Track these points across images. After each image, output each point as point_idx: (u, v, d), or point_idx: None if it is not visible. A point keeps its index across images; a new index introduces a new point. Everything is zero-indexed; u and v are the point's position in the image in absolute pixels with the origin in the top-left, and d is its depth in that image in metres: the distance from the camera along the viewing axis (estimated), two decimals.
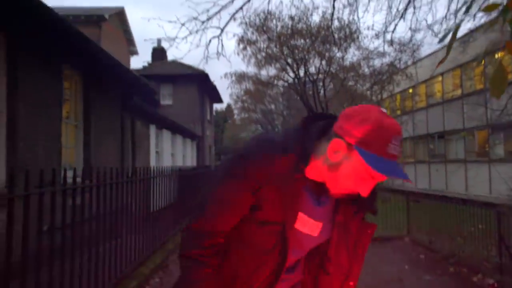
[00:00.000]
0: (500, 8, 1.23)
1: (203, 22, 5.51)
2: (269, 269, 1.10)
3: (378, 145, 0.99)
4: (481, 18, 6.64)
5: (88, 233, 3.67)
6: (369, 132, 0.99)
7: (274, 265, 1.10)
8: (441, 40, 1.25)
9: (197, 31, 5.50)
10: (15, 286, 2.54)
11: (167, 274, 5.17)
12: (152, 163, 10.32)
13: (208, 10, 5.38)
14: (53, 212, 3.03)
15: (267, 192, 1.06)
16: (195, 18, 5.44)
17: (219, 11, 5.38)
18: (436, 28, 5.83)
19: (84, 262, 3.50)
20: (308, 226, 1.14)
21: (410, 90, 19.41)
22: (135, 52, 20.29)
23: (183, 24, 5.38)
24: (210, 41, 5.90)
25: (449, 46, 1.22)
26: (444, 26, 5.92)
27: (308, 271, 1.23)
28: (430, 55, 16.46)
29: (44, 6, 4.50)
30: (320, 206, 1.15)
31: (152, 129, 11.02)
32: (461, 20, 1.16)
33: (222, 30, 5.89)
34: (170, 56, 22.31)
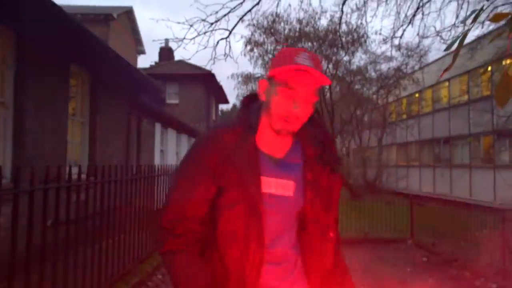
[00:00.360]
0: (510, 17, 1.24)
1: (211, 24, 5.54)
2: (252, 252, 1.10)
3: (284, 59, 1.09)
4: (490, 25, 6.62)
5: (92, 229, 3.71)
6: (276, 57, 1.14)
7: (255, 246, 1.10)
8: (447, 47, 1.26)
9: (205, 33, 5.53)
10: (20, 279, 2.58)
11: None
12: (157, 161, 10.37)
13: (216, 12, 5.42)
14: (58, 207, 3.07)
15: (225, 171, 1.11)
16: (204, 20, 5.47)
17: (227, 13, 5.42)
18: (444, 34, 5.81)
19: (87, 257, 3.54)
20: (275, 186, 1.14)
21: (417, 95, 19.33)
22: (142, 52, 20.40)
23: (191, 26, 5.42)
24: (218, 42, 5.93)
25: (455, 54, 1.24)
26: (453, 32, 5.92)
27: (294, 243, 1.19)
28: (437, 60, 16.39)
29: (53, 4, 4.55)
30: (281, 167, 1.17)
31: (158, 127, 11.08)
32: (468, 29, 1.17)
33: (230, 32, 5.92)
34: (178, 56, 22.41)
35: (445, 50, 1.46)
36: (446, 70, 1.31)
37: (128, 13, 18.18)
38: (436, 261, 5.94)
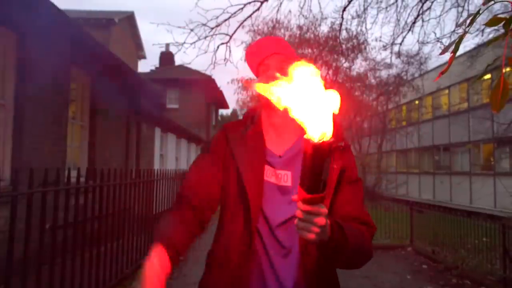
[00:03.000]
0: (505, 21, 1.24)
1: (212, 29, 5.56)
2: (239, 228, 1.17)
3: (254, 57, 1.27)
4: (489, 34, 6.65)
5: (90, 233, 3.68)
6: (248, 60, 1.29)
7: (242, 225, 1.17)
8: (443, 51, 1.26)
9: (205, 37, 5.55)
10: (17, 283, 2.55)
11: (168, 277, 5.16)
12: (156, 165, 10.35)
13: (217, 17, 5.44)
14: (56, 211, 3.05)
15: (229, 156, 1.22)
16: (204, 24, 5.49)
17: (228, 18, 5.44)
18: (444, 41, 5.88)
19: (85, 262, 3.51)
20: (275, 176, 1.19)
21: (417, 102, 19.37)
22: (143, 56, 20.47)
23: (192, 30, 5.43)
24: (218, 47, 5.95)
25: (451, 57, 1.23)
26: (453, 39, 5.95)
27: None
28: (437, 67, 16.45)
29: (55, 8, 4.57)
30: (281, 160, 1.21)
31: (157, 132, 11.07)
32: (465, 32, 1.16)
33: (230, 37, 5.94)
34: (178, 61, 22.46)
35: (440, 53, 1.45)
36: (442, 72, 1.30)
37: (129, 18, 18.27)
38: (436, 269, 5.90)
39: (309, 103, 0.80)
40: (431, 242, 6.90)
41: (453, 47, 1.25)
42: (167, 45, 20.77)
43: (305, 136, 0.80)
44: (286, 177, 1.19)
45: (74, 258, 3.30)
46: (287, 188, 1.18)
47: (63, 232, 3.18)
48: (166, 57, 21.32)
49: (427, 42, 6.31)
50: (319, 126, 0.80)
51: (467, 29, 1.33)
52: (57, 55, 5.44)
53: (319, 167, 0.82)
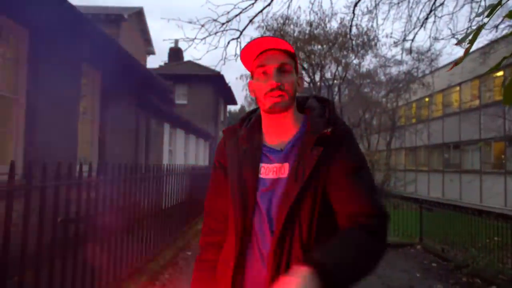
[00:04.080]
0: None
1: (222, 24, 5.55)
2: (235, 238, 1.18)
3: (250, 53, 1.20)
4: (503, 30, 6.55)
5: (100, 227, 3.71)
6: (243, 57, 1.23)
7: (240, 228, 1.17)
8: (460, 41, 1.23)
9: (216, 33, 5.54)
10: (30, 275, 2.59)
11: (177, 271, 5.20)
12: (165, 161, 10.40)
13: (228, 12, 5.42)
14: (68, 204, 3.08)
15: (227, 158, 1.26)
16: (215, 20, 5.47)
17: (238, 14, 5.41)
18: (459, 36, 5.81)
19: (96, 255, 3.54)
20: (272, 171, 1.19)
21: (427, 99, 19.17)
22: (152, 52, 20.51)
23: (202, 26, 5.43)
24: (228, 42, 5.93)
25: (467, 49, 1.21)
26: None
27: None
28: (448, 64, 16.25)
29: (67, 3, 4.59)
30: (280, 154, 1.20)
31: (166, 127, 11.11)
32: (484, 24, 1.13)
33: (241, 33, 5.92)
34: (188, 56, 22.50)
35: (456, 44, 1.42)
36: (456, 63, 1.27)
37: (138, 14, 18.31)
38: (446, 267, 5.85)
39: None
40: (440, 240, 6.84)
41: (470, 38, 1.22)
42: (176, 41, 20.81)
43: None
44: (283, 169, 1.17)
45: (85, 252, 3.34)
46: (283, 179, 1.16)
47: (75, 225, 3.21)
48: (175, 53, 21.35)
49: (442, 38, 6.23)
50: None
51: (485, 20, 1.30)
52: (69, 50, 5.47)
53: None
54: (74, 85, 5.73)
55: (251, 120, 1.30)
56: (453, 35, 5.78)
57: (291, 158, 1.17)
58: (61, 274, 2.96)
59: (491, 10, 1.21)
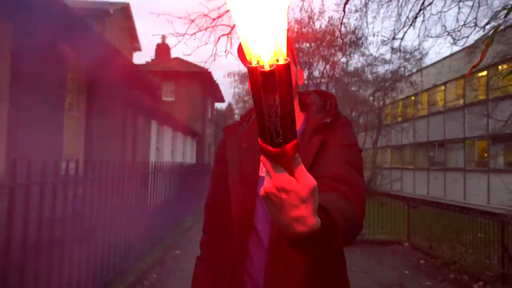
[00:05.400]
0: None
1: (213, 20, 5.48)
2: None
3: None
4: (490, 31, 6.64)
5: (87, 226, 3.62)
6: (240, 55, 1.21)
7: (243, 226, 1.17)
8: (474, 45, 1.21)
9: (206, 28, 5.46)
10: (15, 274, 2.49)
11: (165, 270, 5.12)
12: (152, 158, 10.26)
13: (219, 8, 5.36)
14: (54, 203, 2.99)
15: (227, 155, 1.25)
16: (206, 15, 5.40)
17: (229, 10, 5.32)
18: (454, 35, 5.95)
19: (83, 254, 3.45)
20: None
21: (412, 98, 19.40)
22: (138, 48, 20.20)
23: (193, 21, 5.34)
24: (219, 38, 5.87)
25: (484, 50, 1.19)
26: (462, 33, 6.06)
27: None
28: (435, 63, 16.46)
29: None
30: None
31: (154, 124, 10.97)
32: (499, 25, 1.14)
33: (232, 28, 5.85)
34: (176, 53, 22.30)
35: (468, 48, 1.41)
36: (474, 66, 1.26)
37: (124, 10, 18.01)
38: (434, 264, 5.92)
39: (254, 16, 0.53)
40: (427, 237, 6.92)
41: (486, 39, 1.20)
42: (164, 36, 20.55)
43: (248, 65, 0.56)
44: None
45: (72, 251, 3.24)
46: None
47: (60, 224, 3.11)
48: (162, 49, 21.10)
49: (436, 36, 6.30)
50: (267, 43, 0.54)
51: (502, 22, 1.29)
52: (54, 44, 5.32)
53: (283, 101, 0.55)
54: (60, 80, 5.58)
55: (251, 118, 1.30)
56: (449, 33, 5.84)
57: None
58: (47, 275, 2.87)
59: (508, 11, 1.20)
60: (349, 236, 0.86)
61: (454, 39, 5.92)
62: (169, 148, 13.22)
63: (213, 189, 1.32)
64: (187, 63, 18.28)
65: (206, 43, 5.71)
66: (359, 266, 5.40)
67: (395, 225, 7.89)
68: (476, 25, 5.63)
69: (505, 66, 11.82)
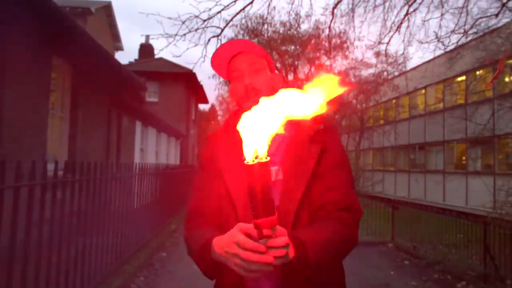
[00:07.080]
0: None
1: (204, 21, 5.45)
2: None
3: (222, 62, 1.24)
4: (469, 36, 6.86)
5: (70, 229, 3.51)
6: (215, 67, 1.26)
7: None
8: (502, 61, 1.27)
9: (197, 30, 5.43)
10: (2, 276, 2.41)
11: (152, 273, 5.05)
12: (136, 159, 10.12)
13: (210, 9, 5.34)
14: (30, 207, 2.81)
15: (217, 162, 1.22)
16: (197, 16, 5.36)
17: (220, 11, 5.33)
18: (443, 41, 6.26)
19: (70, 258, 3.37)
20: None
21: (394, 101, 19.76)
22: (120, 48, 19.91)
23: (183, 22, 5.30)
24: (209, 40, 5.84)
25: (502, 60, 1.22)
26: (452, 39, 6.31)
27: None
28: (416, 67, 16.82)
29: None
30: (274, 156, 1.17)
31: (138, 125, 10.83)
32: None
33: (222, 30, 5.84)
34: (162, 54, 22.07)
35: (487, 61, 1.48)
36: (494, 77, 1.31)
37: (106, 8, 17.72)
38: (418, 264, 6.03)
39: (250, 125, 0.81)
40: (411, 238, 7.04)
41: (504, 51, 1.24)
42: (147, 36, 20.35)
43: (245, 162, 0.80)
44: (276, 172, 1.17)
45: (53, 255, 3.14)
46: (279, 181, 1.16)
47: (39, 228, 2.97)
48: (146, 49, 20.87)
49: (427, 42, 6.49)
50: (252, 147, 0.80)
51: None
52: (37, 42, 5.19)
53: (263, 188, 0.79)
54: (44, 79, 5.45)
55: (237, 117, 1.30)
56: (438, 40, 6.00)
57: (276, 162, 1.17)
58: (34, 278, 2.78)
59: None
60: (339, 255, 1.12)
61: (444, 45, 6.12)
62: (154, 149, 13.08)
63: (198, 194, 1.26)
64: (171, 63, 18.14)
65: (196, 45, 5.68)
66: (347, 268, 5.42)
67: (379, 226, 8.02)
68: (465, 32, 5.83)
69: (481, 72, 12.16)
